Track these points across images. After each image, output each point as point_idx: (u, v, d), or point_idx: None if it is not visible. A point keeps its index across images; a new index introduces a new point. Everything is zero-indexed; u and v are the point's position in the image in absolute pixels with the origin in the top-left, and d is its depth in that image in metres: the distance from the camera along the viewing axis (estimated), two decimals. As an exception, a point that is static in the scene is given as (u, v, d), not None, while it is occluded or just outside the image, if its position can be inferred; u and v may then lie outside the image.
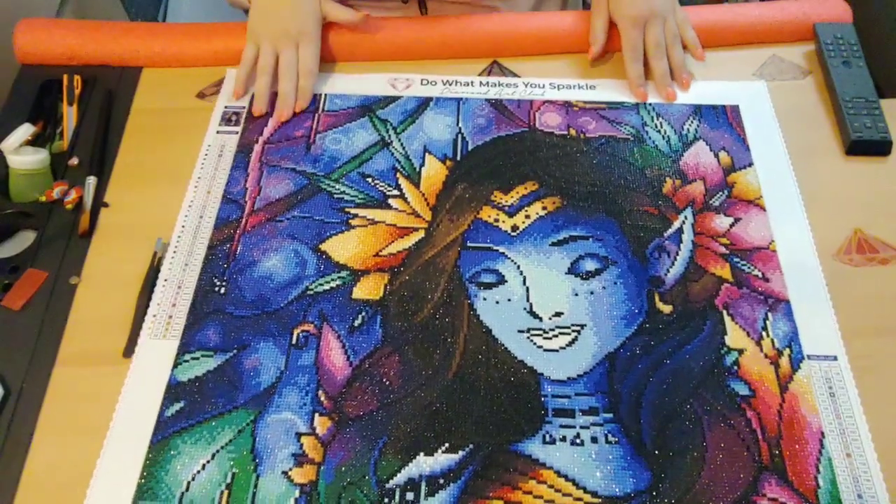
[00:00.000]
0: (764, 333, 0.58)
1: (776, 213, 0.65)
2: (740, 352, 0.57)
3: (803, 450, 0.52)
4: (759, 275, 0.61)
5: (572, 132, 0.71)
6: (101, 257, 0.63)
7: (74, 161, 0.69)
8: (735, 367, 0.56)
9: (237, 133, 0.71)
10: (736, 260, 0.62)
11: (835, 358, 0.57)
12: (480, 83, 0.75)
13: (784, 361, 0.56)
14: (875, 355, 0.57)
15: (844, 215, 0.65)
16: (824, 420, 0.54)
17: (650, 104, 0.73)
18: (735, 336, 0.58)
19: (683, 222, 0.64)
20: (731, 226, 0.64)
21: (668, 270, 0.61)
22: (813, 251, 0.62)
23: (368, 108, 0.73)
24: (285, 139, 0.71)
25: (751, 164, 0.68)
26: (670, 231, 0.64)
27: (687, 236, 0.63)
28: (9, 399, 0.55)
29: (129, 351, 0.58)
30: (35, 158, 0.67)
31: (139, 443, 0.53)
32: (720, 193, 0.66)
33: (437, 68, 0.76)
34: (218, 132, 0.71)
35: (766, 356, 0.57)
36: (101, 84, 0.75)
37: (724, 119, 0.71)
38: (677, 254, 0.62)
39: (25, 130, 0.68)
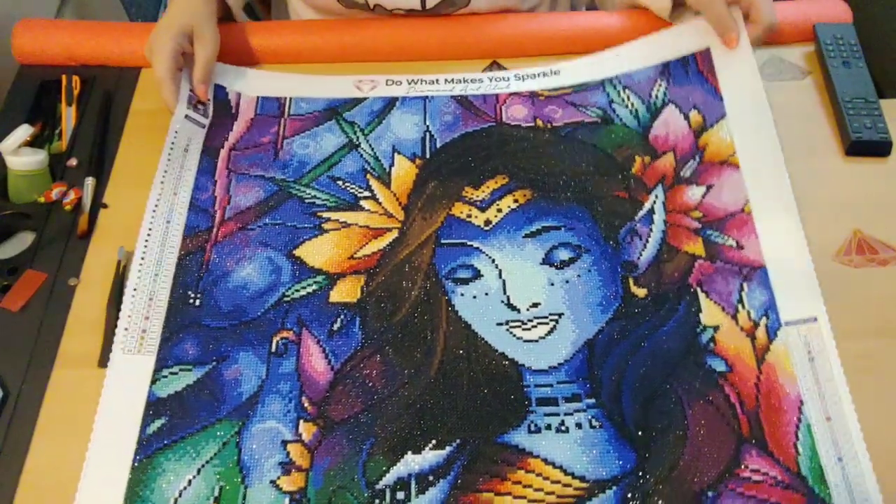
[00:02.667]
0: (739, 306, 0.59)
1: (750, 166, 0.65)
2: (716, 328, 0.58)
3: (782, 419, 0.54)
4: (734, 244, 0.62)
5: (539, 123, 0.71)
6: (99, 258, 0.63)
7: (73, 162, 0.69)
8: (711, 345, 0.57)
9: (203, 127, 0.70)
10: (709, 233, 0.62)
11: (815, 319, 0.57)
12: (445, 80, 0.74)
13: (760, 332, 0.57)
14: (874, 356, 0.57)
15: (844, 216, 0.65)
16: (803, 386, 0.55)
17: (615, 77, 0.72)
18: (710, 313, 0.59)
19: (654, 202, 0.65)
20: (704, 195, 0.64)
21: (640, 254, 0.62)
22: (791, 205, 0.62)
23: (334, 110, 0.72)
24: (252, 145, 0.70)
25: (723, 117, 0.68)
26: (641, 213, 0.64)
27: (658, 216, 0.64)
28: (8, 400, 0.55)
29: (103, 361, 0.57)
30: (34, 159, 0.66)
31: (121, 463, 0.52)
32: (691, 161, 0.66)
33: (435, 69, 0.76)
34: (186, 116, 0.69)
35: (741, 329, 0.58)
36: (99, 84, 0.74)
37: (694, 69, 0.71)
38: (649, 236, 0.63)
39: (24, 131, 0.67)
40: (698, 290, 0.60)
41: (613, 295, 0.60)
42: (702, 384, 0.55)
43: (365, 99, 0.73)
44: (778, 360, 0.56)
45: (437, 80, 0.74)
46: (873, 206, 0.65)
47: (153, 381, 0.56)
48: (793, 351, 0.56)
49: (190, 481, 0.52)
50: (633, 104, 0.71)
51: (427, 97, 0.73)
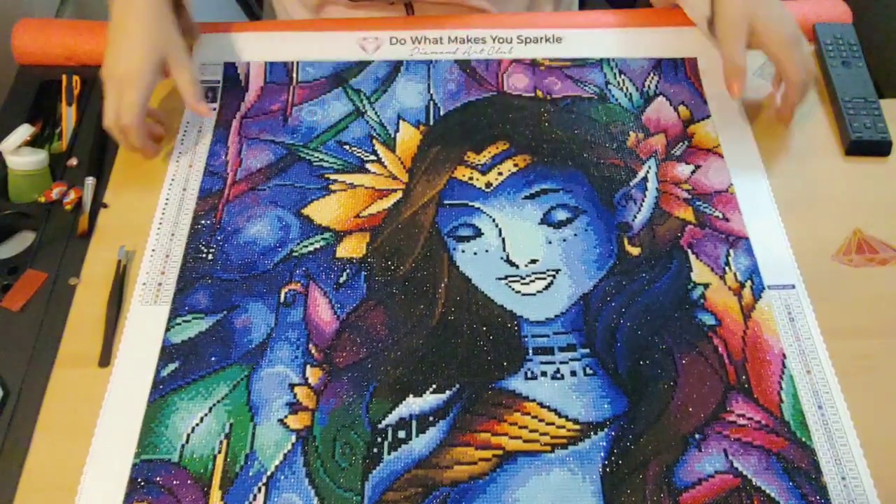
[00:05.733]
0: (727, 268, 0.62)
1: (733, 159, 0.68)
2: (706, 286, 0.61)
3: (766, 370, 0.56)
4: (720, 216, 0.65)
5: (539, 94, 0.73)
6: (100, 258, 0.63)
7: (73, 161, 0.69)
8: (702, 300, 0.60)
9: (214, 109, 0.72)
10: (698, 203, 0.66)
11: (793, 286, 0.61)
12: (449, 39, 0.77)
13: (746, 292, 0.60)
14: (875, 356, 0.57)
15: (844, 216, 0.65)
16: (785, 343, 0.58)
17: (613, 60, 0.75)
18: (700, 272, 0.61)
19: (648, 171, 0.68)
20: (692, 173, 0.68)
21: (635, 216, 0.65)
22: (768, 192, 0.66)
23: (341, 77, 0.75)
24: (262, 113, 0.72)
25: (708, 117, 0.72)
26: (636, 180, 0.67)
27: (651, 184, 0.67)
28: (8, 400, 0.55)
29: (104, 360, 0.57)
30: (34, 159, 0.66)
31: (137, 403, 0.55)
32: (681, 144, 0.70)
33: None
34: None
35: (729, 288, 0.60)
36: (99, 84, 0.74)
37: (682, 73, 0.75)
38: (643, 200, 0.66)
39: (24, 131, 0.68)
40: (689, 251, 0.63)
41: (609, 253, 0.63)
42: (692, 336, 0.58)
43: (370, 62, 0.76)
44: (762, 317, 0.59)
45: (440, 39, 0.77)
46: (873, 206, 0.66)
47: (167, 329, 0.59)
48: (775, 311, 0.59)
49: (202, 418, 0.55)
50: (627, 88, 0.74)
51: (431, 62, 0.75)
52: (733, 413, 0.54)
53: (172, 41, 0.66)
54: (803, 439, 0.53)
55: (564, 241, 0.63)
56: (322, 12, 0.84)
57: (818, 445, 0.53)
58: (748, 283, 0.61)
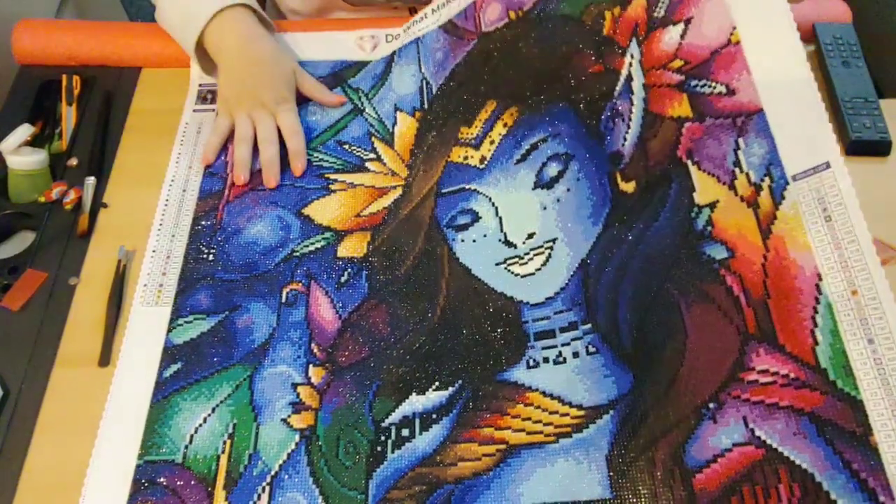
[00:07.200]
0: (737, 170, 0.50)
1: None
2: (712, 206, 0.50)
3: (795, 304, 0.45)
4: (723, 90, 0.53)
5: (511, 15, 0.67)
6: (100, 258, 0.63)
7: (73, 161, 0.69)
8: (709, 228, 0.50)
9: (214, 111, 0.72)
10: (693, 83, 0.54)
11: (827, 165, 0.47)
12: (432, 11, 0.74)
13: (764, 198, 0.49)
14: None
15: (844, 215, 0.64)
16: (820, 256, 0.45)
17: None
18: (704, 187, 0.51)
19: (630, 63, 0.58)
20: (683, 35, 0.55)
21: (625, 138, 0.58)
22: (788, 16, 0.50)
23: (340, 76, 0.74)
24: None
25: None
26: (620, 85, 0.59)
27: (637, 82, 0.57)
28: (8, 399, 0.55)
29: (104, 360, 0.57)
30: (34, 159, 0.66)
31: (140, 404, 0.55)
32: None
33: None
34: (195, 111, 0.72)
35: (742, 199, 0.49)
36: (100, 84, 0.74)
37: None
38: (631, 111, 0.57)
39: (24, 131, 0.68)
40: (689, 163, 0.52)
41: (602, 200, 0.59)
42: (701, 280, 0.49)
43: (368, 62, 0.74)
44: (787, 229, 0.47)
45: (424, 16, 0.74)
46: (873, 206, 0.65)
47: (169, 330, 0.59)
48: (804, 212, 0.46)
49: (205, 419, 0.55)
50: None
51: (419, 39, 0.73)
52: (754, 371, 0.45)
53: (290, 58, 0.71)
54: (845, 389, 0.43)
55: (558, 201, 0.60)
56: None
57: (868, 394, 0.42)
58: (765, 183, 0.48)
